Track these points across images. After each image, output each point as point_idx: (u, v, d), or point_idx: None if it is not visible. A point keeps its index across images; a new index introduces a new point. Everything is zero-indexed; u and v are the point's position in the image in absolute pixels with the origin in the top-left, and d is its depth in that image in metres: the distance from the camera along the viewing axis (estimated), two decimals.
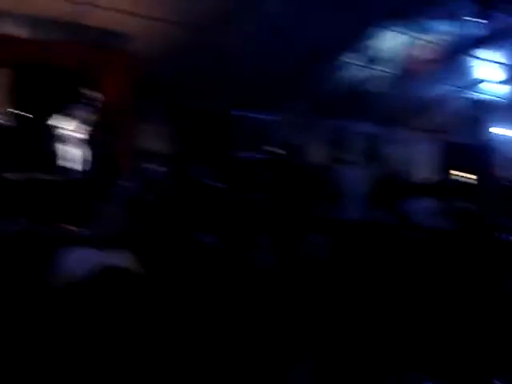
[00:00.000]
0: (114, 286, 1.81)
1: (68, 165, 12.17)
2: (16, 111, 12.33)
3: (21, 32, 12.07)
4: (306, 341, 3.21)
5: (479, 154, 18.27)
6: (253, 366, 3.17)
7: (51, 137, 12.14)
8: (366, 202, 9.27)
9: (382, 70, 15.16)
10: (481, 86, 17.67)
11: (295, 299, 3.60)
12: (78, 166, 12.19)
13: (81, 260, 3.28)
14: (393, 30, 14.23)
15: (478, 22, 14.13)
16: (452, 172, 19.28)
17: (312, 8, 11.94)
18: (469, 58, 16.27)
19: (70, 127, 12.24)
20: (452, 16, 14.18)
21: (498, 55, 16.27)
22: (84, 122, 12.18)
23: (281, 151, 15.98)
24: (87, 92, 12.59)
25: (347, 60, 14.59)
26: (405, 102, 16.80)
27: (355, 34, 13.50)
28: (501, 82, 17.48)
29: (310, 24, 12.34)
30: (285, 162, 15.16)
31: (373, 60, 14.82)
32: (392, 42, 14.56)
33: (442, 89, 17.17)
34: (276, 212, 5.94)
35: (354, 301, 3.74)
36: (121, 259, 3.27)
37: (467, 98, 18.11)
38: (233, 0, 11.66)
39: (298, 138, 16.51)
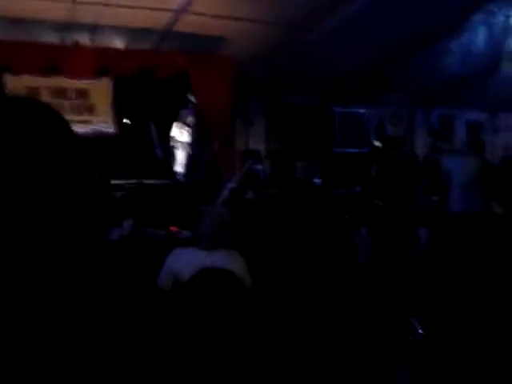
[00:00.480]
0: (210, 287, 1.90)
1: (173, 168, 12.58)
2: (120, 119, 12.85)
3: (120, 43, 12.59)
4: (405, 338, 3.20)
5: None
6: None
7: (155, 142, 12.59)
8: (471, 192, 8.98)
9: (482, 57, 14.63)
10: None
11: (395, 293, 3.61)
12: (183, 169, 12.57)
13: (186, 261, 3.42)
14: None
15: None
16: None
17: None
18: None
19: (173, 132, 12.65)
20: None
21: None
22: (187, 126, 12.55)
23: (381, 144, 15.81)
24: (188, 97, 12.95)
25: (448, 47, 14.20)
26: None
27: (456, 21, 13.12)
28: None
29: (406, 13, 12.13)
30: (387, 154, 14.98)
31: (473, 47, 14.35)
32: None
33: None
34: (379, 206, 5.90)
35: (457, 295, 3.71)
36: (226, 260, 3.38)
37: None
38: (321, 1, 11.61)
39: (399, 130, 16.28)
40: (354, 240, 3.99)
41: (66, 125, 1.06)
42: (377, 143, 16.14)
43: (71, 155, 1.01)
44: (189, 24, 12.15)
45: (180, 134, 12.58)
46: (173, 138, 12.69)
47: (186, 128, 12.62)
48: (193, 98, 12.95)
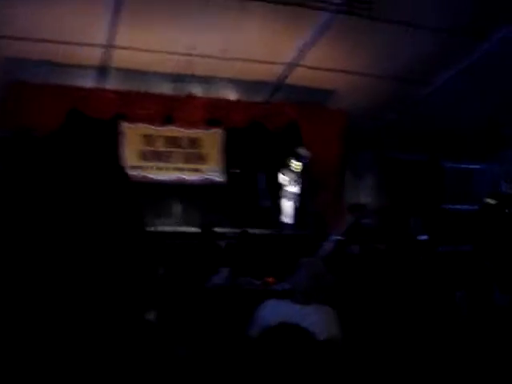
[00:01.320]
0: (276, 343, 1.83)
1: (279, 219, 12.58)
2: (229, 168, 13.06)
3: (233, 94, 12.89)
4: None
5: None
6: None
7: (263, 192, 12.67)
8: None
9: None
10: None
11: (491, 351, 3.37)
12: (290, 220, 12.55)
13: (274, 313, 3.34)
14: None
15: None
16: None
17: None
18: None
19: (281, 183, 12.70)
20: None
21: None
22: (295, 177, 12.57)
23: (495, 201, 15.18)
24: (298, 148, 13.01)
25: None
26: None
27: None
28: None
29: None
30: (501, 212, 14.36)
31: None
32: None
33: None
34: (488, 267, 5.60)
35: None
36: (314, 317, 3.27)
37: None
38: (433, 55, 11.43)
39: (509, 187, 15.59)
40: (456, 300, 3.79)
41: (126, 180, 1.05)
42: (490, 200, 15.52)
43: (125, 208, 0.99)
44: (300, 77, 12.31)
45: (289, 184, 12.61)
46: (281, 188, 12.74)
47: (296, 179, 12.64)
48: (303, 150, 12.98)
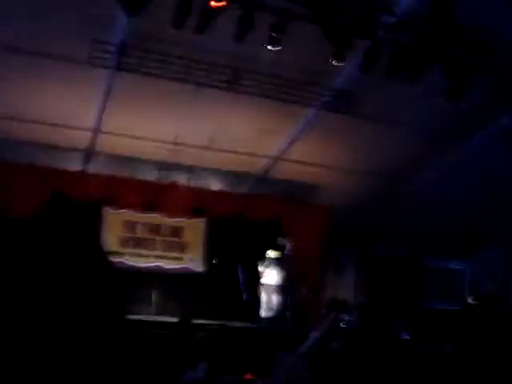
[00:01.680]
0: None
1: (259, 312, 12.36)
2: (210, 259, 12.93)
3: (217, 185, 12.93)
4: None
5: None
6: None
7: (243, 285, 12.50)
8: None
9: None
10: None
11: None
12: (269, 314, 12.33)
13: None
14: None
15: None
16: None
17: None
18: None
19: (263, 276, 12.55)
20: None
21: None
22: (277, 271, 12.45)
23: (477, 301, 15.12)
24: (280, 242, 12.95)
25: None
26: None
27: None
28: None
29: (507, 163, 11.93)
30: (482, 312, 14.26)
31: None
32: None
33: None
34: (473, 371, 5.46)
35: None
36: None
37: None
38: (419, 149, 11.65)
39: (492, 287, 15.56)
40: None
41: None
42: (472, 300, 15.45)
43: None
44: (284, 171, 12.43)
45: (269, 278, 12.45)
46: (262, 281, 12.58)
47: (276, 272, 12.51)
48: (283, 244, 12.92)
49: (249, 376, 4.84)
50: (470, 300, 15.15)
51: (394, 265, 15.50)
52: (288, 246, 12.66)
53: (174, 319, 9.72)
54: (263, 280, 12.54)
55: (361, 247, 15.27)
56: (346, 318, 12.44)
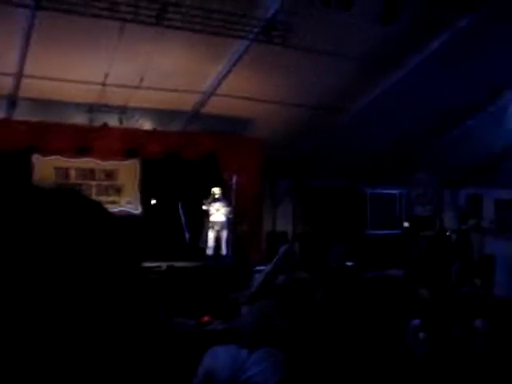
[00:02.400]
0: None
1: (202, 250, 12.32)
2: (147, 200, 12.74)
3: (149, 125, 12.64)
4: None
5: None
6: None
7: (184, 224, 12.39)
8: None
9: None
10: None
11: None
12: (211, 251, 12.32)
13: (224, 362, 3.12)
14: None
15: None
16: None
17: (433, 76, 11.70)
18: None
19: (209, 213, 12.46)
20: None
21: None
22: (215, 207, 12.37)
23: (410, 224, 15.55)
24: (217, 178, 12.86)
25: (476, 127, 14.00)
26: None
27: (485, 101, 12.98)
28: None
29: (435, 92, 12.06)
30: (416, 235, 14.68)
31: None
32: None
33: None
34: (425, 295, 5.54)
35: None
36: (263, 363, 3.07)
37: None
38: (348, 82, 11.61)
39: (427, 210, 15.98)
40: (407, 333, 3.66)
41: (113, 223, 0.82)
42: (405, 224, 15.87)
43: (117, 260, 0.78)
44: (217, 106, 12.20)
45: (214, 215, 12.37)
46: (205, 218, 12.50)
47: (214, 209, 12.43)
48: (221, 180, 12.85)
49: (206, 319, 4.80)
50: (405, 224, 15.56)
51: (331, 194, 15.69)
52: (233, 180, 12.53)
53: None
54: (210, 218, 12.44)
55: (297, 179, 15.34)
56: (290, 249, 12.55)
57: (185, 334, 4.48)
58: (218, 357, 3.23)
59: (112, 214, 0.82)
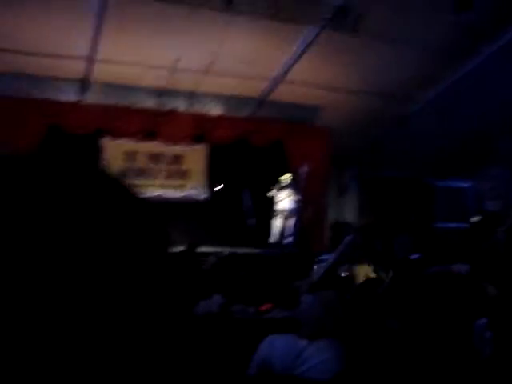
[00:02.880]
0: None
1: (267, 238, 12.30)
2: (213, 186, 12.80)
3: (217, 110, 12.68)
4: None
5: None
6: None
7: (248, 211, 12.40)
8: None
9: None
10: None
11: None
12: (276, 239, 12.29)
13: (282, 352, 3.07)
14: None
15: None
16: None
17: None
18: None
19: (275, 201, 12.44)
20: None
21: None
22: (282, 195, 12.33)
23: (479, 218, 15.12)
24: (284, 166, 12.81)
25: None
26: None
27: None
28: None
29: (508, 82, 11.66)
30: (483, 231, 14.28)
31: None
32: None
33: None
34: (494, 293, 5.35)
35: None
36: (324, 354, 3.01)
37: None
38: (420, 72, 11.34)
39: (496, 205, 15.53)
40: (473, 332, 3.53)
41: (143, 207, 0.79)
42: (474, 218, 15.46)
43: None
44: (285, 93, 12.13)
45: (282, 203, 12.33)
46: (272, 205, 12.48)
47: (280, 197, 12.39)
48: (288, 168, 12.79)
49: (266, 306, 4.76)
50: (474, 218, 15.14)
51: (399, 185, 15.42)
52: (301, 168, 12.45)
53: (180, 249, 9.65)
54: (276, 205, 12.42)
55: (364, 169, 15.16)
56: (352, 240, 12.41)
57: (244, 322, 4.46)
58: (276, 346, 3.18)
59: (143, 200, 0.81)
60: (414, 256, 8.89)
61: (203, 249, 10.40)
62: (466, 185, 15.28)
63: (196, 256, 8.09)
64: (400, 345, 3.47)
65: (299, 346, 3.10)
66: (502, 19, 9.97)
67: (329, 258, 6.57)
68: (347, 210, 15.40)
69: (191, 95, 11.98)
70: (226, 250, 9.36)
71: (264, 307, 4.78)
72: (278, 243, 12.25)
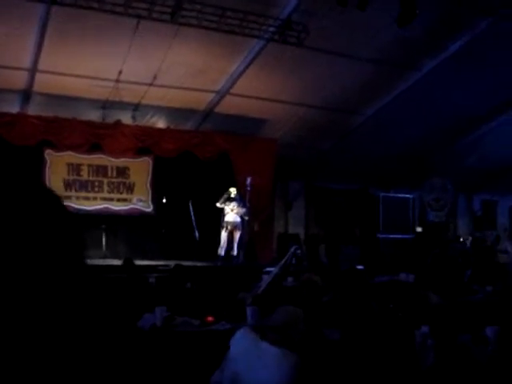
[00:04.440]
0: None
1: (218, 251, 12.24)
2: (159, 199, 12.69)
3: (162, 122, 12.61)
4: None
5: None
6: None
7: (194, 224, 12.31)
8: None
9: None
10: None
11: None
12: (222, 252, 12.25)
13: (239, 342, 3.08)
14: None
15: None
16: None
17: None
18: None
19: (214, 213, 12.38)
20: None
21: None
22: (230, 207, 12.29)
23: (421, 229, 15.45)
24: (230, 178, 12.79)
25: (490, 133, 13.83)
26: None
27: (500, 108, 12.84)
28: None
29: (450, 97, 11.94)
30: (428, 241, 14.58)
31: None
32: None
33: None
34: (436, 300, 5.45)
35: None
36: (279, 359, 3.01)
37: None
38: (365, 85, 11.52)
39: (439, 216, 15.86)
40: (416, 340, 3.58)
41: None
42: (418, 228, 15.76)
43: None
44: (231, 105, 12.15)
45: (224, 215, 12.27)
46: (215, 219, 12.41)
47: (225, 209, 12.34)
48: (234, 179, 12.77)
49: (210, 319, 4.72)
50: (418, 229, 15.43)
51: (344, 196, 15.60)
52: (247, 180, 12.43)
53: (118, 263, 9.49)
54: (222, 217, 12.36)
55: (310, 181, 15.27)
56: (298, 251, 12.48)
57: (188, 334, 4.42)
58: (239, 339, 3.19)
59: (65, 211, 0.83)
60: (358, 266, 9.01)
61: (148, 262, 10.31)
62: (409, 196, 15.55)
63: (136, 270, 7.98)
64: (341, 355, 3.49)
65: (259, 346, 3.10)
66: (441, 35, 10.23)
67: (273, 269, 6.59)
68: (294, 222, 15.48)
69: (136, 107, 11.87)
70: (172, 262, 9.27)
71: (209, 319, 4.74)
72: (225, 256, 12.20)
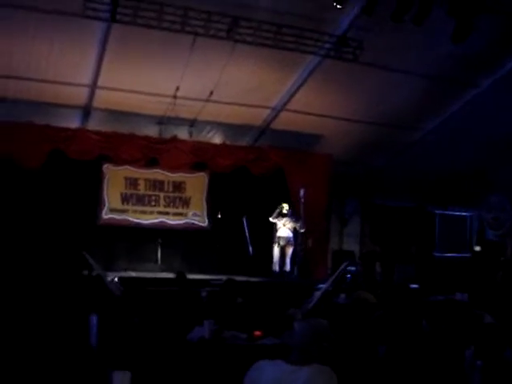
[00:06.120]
0: None
1: (271, 266, 12.25)
2: (214, 214, 12.77)
3: (218, 138, 12.74)
4: None
5: None
6: None
7: (247, 239, 12.34)
8: None
9: None
10: None
11: None
12: (276, 267, 12.24)
13: (270, 378, 3.04)
14: None
15: None
16: None
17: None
18: None
19: (276, 229, 12.40)
20: None
21: None
22: (282, 222, 12.29)
23: (479, 248, 15.07)
24: (284, 194, 12.80)
25: None
26: None
27: None
28: None
29: (507, 112, 11.69)
30: (485, 260, 14.22)
31: None
32: None
33: None
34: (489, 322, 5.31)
35: None
36: (314, 380, 2.97)
37: None
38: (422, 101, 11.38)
39: (497, 235, 15.45)
40: (465, 360, 3.50)
41: None
42: (476, 247, 15.40)
43: None
44: (286, 121, 12.18)
45: (281, 230, 12.28)
46: (272, 233, 12.43)
47: (280, 224, 12.34)
48: (288, 195, 12.77)
49: (258, 333, 4.73)
50: (476, 248, 15.07)
51: (401, 214, 15.39)
52: (301, 194, 12.42)
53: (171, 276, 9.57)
54: (275, 233, 12.38)
55: (366, 197, 15.14)
56: (352, 268, 12.36)
57: (235, 348, 4.44)
58: (263, 371, 3.15)
59: None
60: (413, 286, 8.87)
61: (201, 276, 10.38)
62: (467, 214, 15.22)
63: (188, 283, 8.05)
64: (389, 371, 3.44)
65: (286, 372, 3.07)
66: (499, 51, 10.05)
67: (324, 285, 6.54)
68: (350, 239, 15.36)
69: (192, 123, 12.04)
70: (225, 277, 9.31)
71: (256, 333, 4.75)
72: (279, 271, 12.20)
